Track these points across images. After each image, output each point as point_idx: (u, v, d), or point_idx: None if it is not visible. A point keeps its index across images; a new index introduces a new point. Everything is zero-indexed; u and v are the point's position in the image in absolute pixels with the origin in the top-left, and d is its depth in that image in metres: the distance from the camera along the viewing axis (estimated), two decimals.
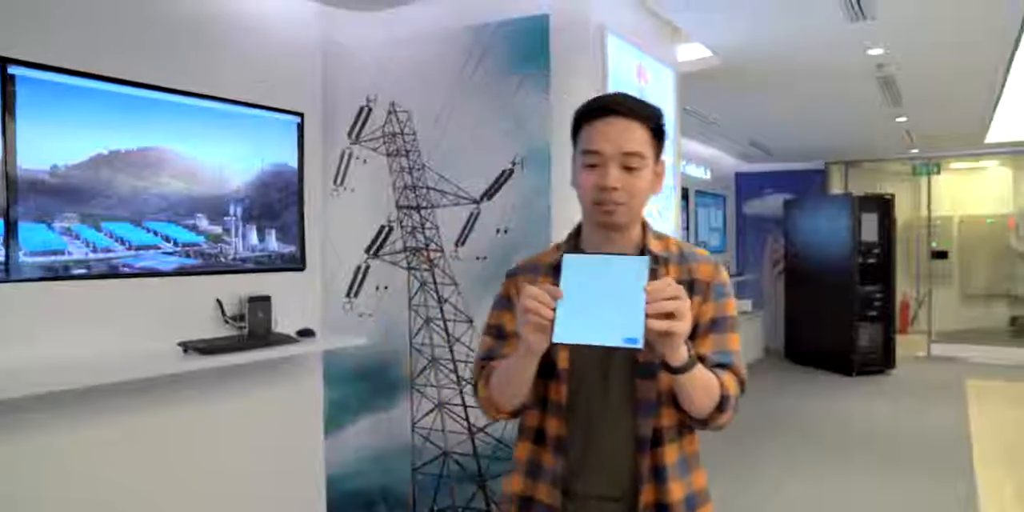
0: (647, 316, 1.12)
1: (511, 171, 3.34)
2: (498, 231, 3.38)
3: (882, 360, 8.44)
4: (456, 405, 3.51)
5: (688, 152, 8.34)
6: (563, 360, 1.36)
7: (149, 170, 2.85)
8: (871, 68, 4.89)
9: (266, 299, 3.18)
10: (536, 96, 3.27)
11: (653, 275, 1.26)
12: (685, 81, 4.43)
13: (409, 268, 3.62)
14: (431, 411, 3.58)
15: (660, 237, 1.46)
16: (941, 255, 10.88)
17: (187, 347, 2.79)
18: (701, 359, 1.30)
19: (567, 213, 3.23)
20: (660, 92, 4.02)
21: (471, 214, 3.44)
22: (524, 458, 1.46)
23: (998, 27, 4.17)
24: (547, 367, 1.35)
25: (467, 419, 3.47)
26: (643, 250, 1.40)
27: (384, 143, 3.67)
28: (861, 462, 4.96)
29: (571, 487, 1.40)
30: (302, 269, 3.50)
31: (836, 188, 10.42)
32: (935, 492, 4.44)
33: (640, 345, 1.12)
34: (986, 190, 11.30)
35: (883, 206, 8.62)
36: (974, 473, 4.79)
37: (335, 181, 3.69)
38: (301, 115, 3.48)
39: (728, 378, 1.33)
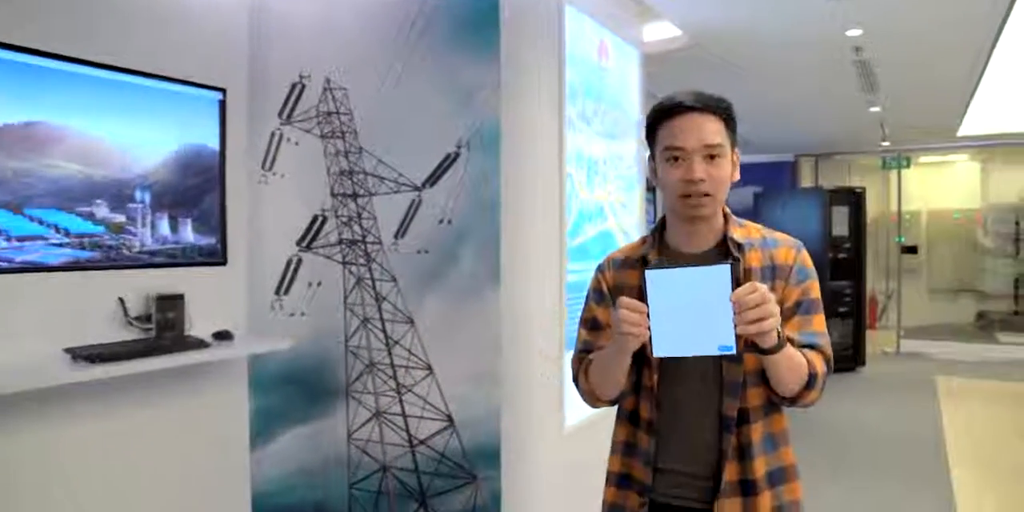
0: (736, 325, 1.24)
1: (456, 154, 3.00)
2: (441, 221, 3.04)
3: (852, 357, 8.26)
4: (395, 414, 3.17)
5: None
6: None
7: (33, 149, 2.46)
8: (848, 50, 4.62)
9: (178, 298, 2.82)
10: (484, 71, 2.93)
11: (735, 269, 1.29)
12: (651, 63, 4.12)
13: (344, 262, 3.26)
14: (368, 421, 3.24)
15: (742, 225, 1.53)
16: (911, 250, 10.75)
17: (75, 354, 2.42)
18: (788, 341, 1.37)
19: (517, 201, 2.91)
20: (623, 73, 3.70)
21: (412, 202, 3.10)
22: (622, 439, 1.59)
23: (980, 13, 3.92)
24: (639, 355, 1.43)
25: (407, 430, 3.14)
26: (725, 238, 1.48)
27: (319, 124, 3.31)
28: (832, 468, 4.72)
29: (661, 465, 1.50)
30: (223, 263, 3.13)
31: (806, 181, 10.23)
32: (910, 500, 4.21)
33: (734, 351, 1.27)
34: (954, 185, 11.22)
35: (854, 200, 8.43)
36: (950, 480, 4.57)
37: (263, 165, 3.33)
38: (223, 91, 3.10)
39: (815, 357, 1.41)
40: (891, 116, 7.12)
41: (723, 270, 1.24)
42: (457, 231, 3.01)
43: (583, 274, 3.23)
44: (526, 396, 2.98)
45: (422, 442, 3.11)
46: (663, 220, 1.57)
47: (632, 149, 3.77)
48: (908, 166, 9.93)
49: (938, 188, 11.24)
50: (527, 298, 2.95)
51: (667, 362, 1.45)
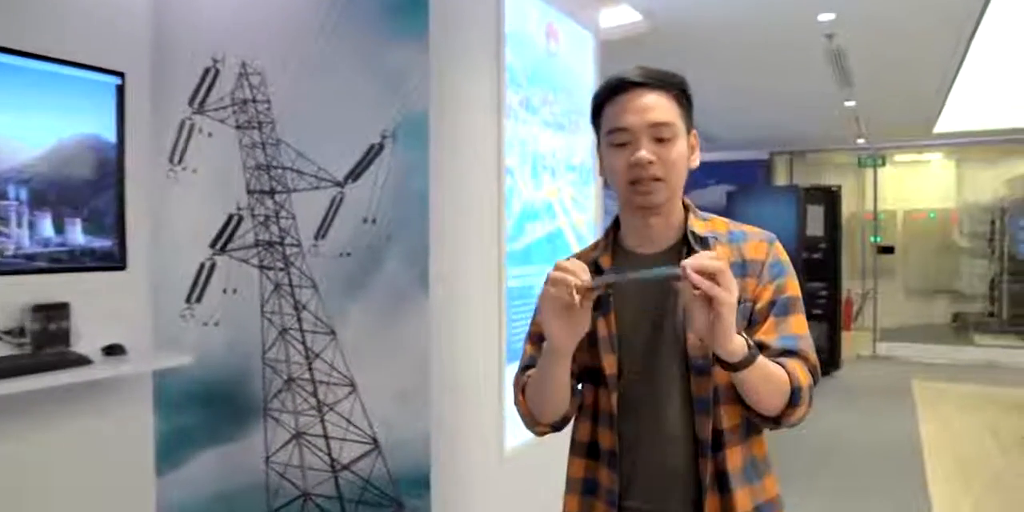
0: (689, 270, 1.07)
1: (380, 146, 2.68)
2: (365, 220, 2.72)
3: (827, 361, 8.01)
4: (316, 436, 2.85)
5: None
6: (609, 365, 1.29)
7: None
8: (821, 38, 4.34)
9: (61, 307, 2.48)
10: (412, 53, 2.62)
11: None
12: (609, 50, 3.82)
13: (261, 267, 2.93)
14: (288, 442, 2.91)
15: (706, 219, 1.36)
16: (887, 250, 10.55)
17: None
18: (763, 347, 1.22)
19: (448, 198, 2.60)
20: (576, 59, 3.40)
21: (333, 200, 2.78)
22: (579, 476, 1.37)
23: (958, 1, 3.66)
24: (594, 374, 1.31)
25: (329, 453, 2.81)
26: (686, 234, 1.31)
27: (234, 113, 2.97)
28: (807, 482, 4.46)
29: (627, 503, 1.30)
30: (121, 268, 2.79)
31: (781, 180, 9.99)
32: None
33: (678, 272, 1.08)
34: (930, 184, 11.06)
35: (829, 198, 8.20)
36: (928, 494, 4.32)
37: (171, 159, 2.99)
38: (121, 75, 2.77)
39: (796, 366, 1.22)
40: (867, 111, 6.88)
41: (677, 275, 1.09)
42: (382, 231, 2.69)
43: (527, 279, 2.93)
44: (460, 416, 2.67)
45: (345, 467, 2.79)
46: (617, 219, 1.39)
47: (587, 141, 3.47)
48: (884, 165, 9.73)
49: (914, 187, 11.07)
50: (460, 307, 2.64)
51: (627, 380, 1.28)
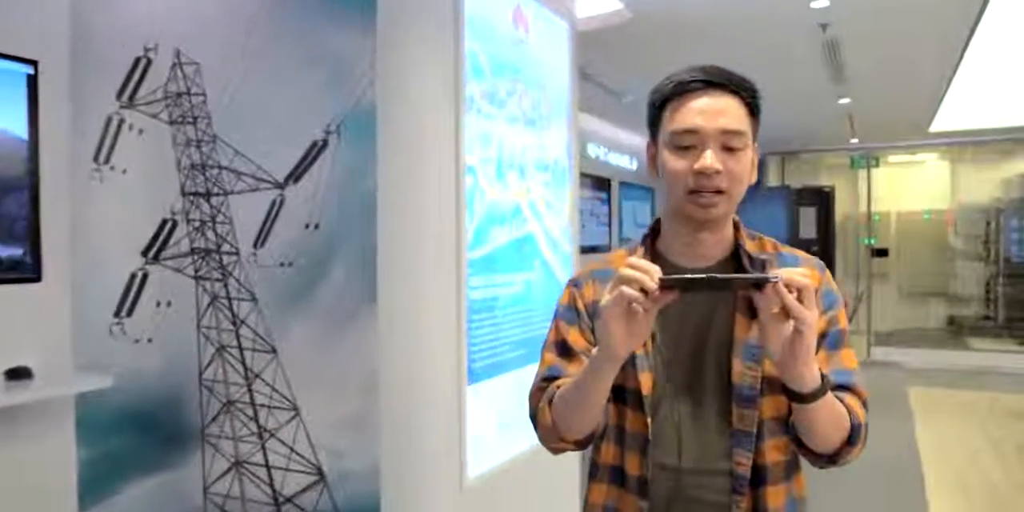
0: (782, 284, 0.97)
1: (323, 142, 2.40)
2: (307, 226, 2.44)
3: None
4: (257, 465, 2.56)
5: (612, 140, 7.50)
6: (646, 384, 1.19)
7: None
8: (814, 28, 4.07)
9: None
10: (358, 40, 2.34)
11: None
12: (587, 41, 3.55)
13: (197, 277, 2.65)
14: (227, 472, 2.62)
15: (754, 236, 1.28)
16: (881, 252, 10.31)
17: None
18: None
19: (399, 200, 2.33)
20: (548, 48, 3.12)
21: (273, 203, 2.50)
22: (601, 503, 1.28)
23: None
24: (620, 392, 1.20)
25: (271, 484, 2.53)
26: (736, 251, 1.24)
27: (167, 107, 2.69)
28: None
29: None
30: (36, 279, 2.50)
31: (773, 181, 9.74)
32: None
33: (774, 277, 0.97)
34: (924, 185, 10.84)
35: (822, 199, 7.97)
36: (928, 506, 4.08)
37: (96, 158, 2.70)
38: (34, 63, 2.48)
39: (854, 402, 1.16)
40: (861, 109, 6.62)
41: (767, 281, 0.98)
42: (326, 238, 2.41)
43: (491, 290, 2.65)
44: (414, 443, 2.38)
45: (288, 500, 2.51)
46: (657, 224, 1.29)
47: (562, 137, 3.20)
48: (877, 165, 9.49)
49: (908, 188, 10.84)
50: (413, 322, 2.36)
51: (662, 404, 1.20)
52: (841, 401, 1.13)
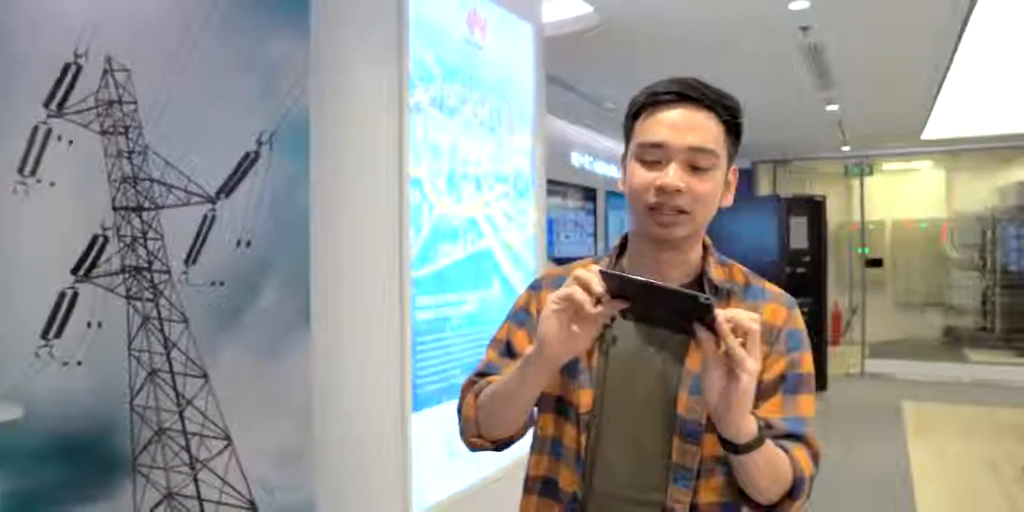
0: (721, 320, 0.92)
1: (255, 154, 2.25)
2: (239, 243, 2.28)
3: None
4: (189, 497, 2.39)
5: (598, 149, 7.35)
6: (584, 402, 1.15)
7: None
8: (795, 32, 3.92)
9: None
10: (291, 42, 2.20)
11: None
12: (555, 47, 3.40)
13: (129, 297, 2.48)
14: (158, 504, 2.45)
15: (724, 263, 1.21)
16: (875, 263, 10.14)
17: None
18: (766, 425, 1.07)
19: (334, 215, 2.17)
20: (511, 54, 2.97)
21: (204, 218, 2.33)
22: None
23: None
24: (563, 405, 1.18)
25: None
26: (701, 277, 1.17)
27: (98, 116, 2.52)
28: None
29: None
30: None
31: (764, 190, 9.60)
32: None
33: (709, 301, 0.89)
34: (919, 193, 10.70)
35: (814, 209, 7.79)
36: None
37: (21, 170, 2.53)
38: None
39: (800, 454, 1.09)
40: (850, 116, 6.47)
41: (704, 307, 0.91)
42: (258, 256, 2.25)
43: (441, 310, 2.49)
44: (354, 476, 2.22)
45: None
46: (624, 241, 1.26)
47: (525, 146, 3.04)
48: (871, 173, 9.35)
49: (902, 197, 10.69)
50: (352, 346, 2.20)
51: (600, 425, 1.16)
52: (787, 451, 1.07)
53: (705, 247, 1.20)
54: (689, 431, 1.11)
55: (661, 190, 1.08)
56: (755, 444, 1.00)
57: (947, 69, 4.90)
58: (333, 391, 2.17)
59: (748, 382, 0.94)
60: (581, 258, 1.33)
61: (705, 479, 1.12)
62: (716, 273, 1.17)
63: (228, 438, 2.31)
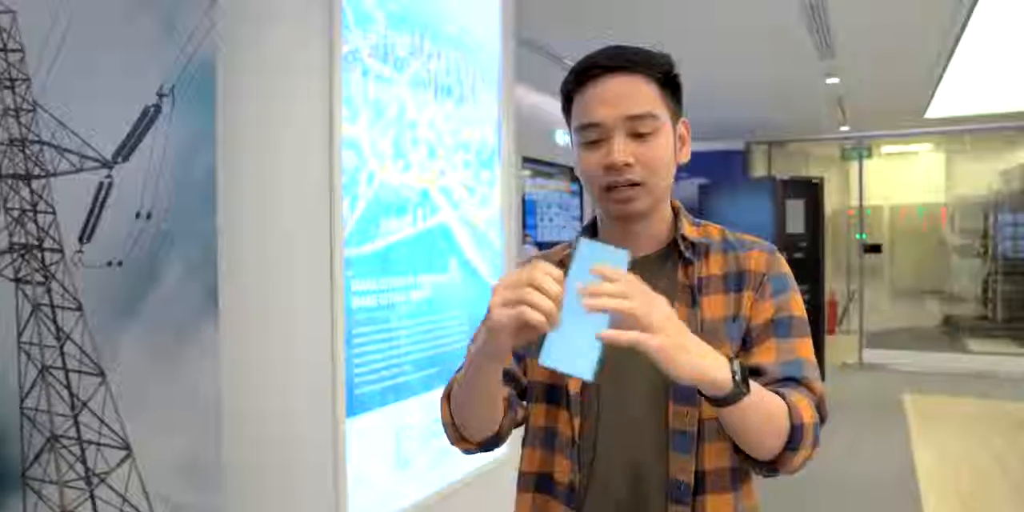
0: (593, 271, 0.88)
1: (156, 109, 1.88)
2: (139, 215, 1.92)
3: None
4: None
5: None
6: (574, 382, 1.11)
7: None
8: None
9: None
10: None
11: (685, 269, 1.12)
12: (547, 18, 3.02)
13: (17, 280, 2.11)
14: None
15: (699, 224, 1.20)
16: (874, 248, 9.81)
17: None
18: (760, 372, 1.06)
19: (246, 181, 1.81)
20: (475, 4, 2.60)
21: (100, 186, 1.97)
22: None
23: None
24: (552, 392, 1.15)
25: None
26: (675, 237, 1.15)
27: None
28: None
29: None
30: None
31: (759, 172, 9.25)
32: None
33: (590, 377, 0.87)
34: (919, 177, 10.38)
35: (811, 192, 7.43)
36: None
37: None
38: None
39: (799, 399, 1.03)
40: (851, 91, 6.10)
41: (619, 255, 0.89)
42: (160, 230, 1.89)
43: (385, 296, 2.13)
44: (274, 493, 1.87)
45: None
46: (593, 222, 1.23)
47: (491, 113, 2.68)
48: (870, 156, 8.99)
49: (902, 181, 10.38)
50: (266, 337, 1.84)
51: (592, 404, 1.11)
52: (784, 398, 1.01)
53: (675, 209, 1.18)
54: (682, 393, 1.07)
55: (610, 168, 1.07)
56: (734, 396, 0.92)
57: (957, 39, 4.55)
58: (247, 392, 1.82)
59: (668, 358, 0.88)
60: (560, 243, 1.31)
61: (708, 443, 1.07)
62: (689, 231, 1.16)
63: (128, 447, 1.95)
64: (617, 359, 0.99)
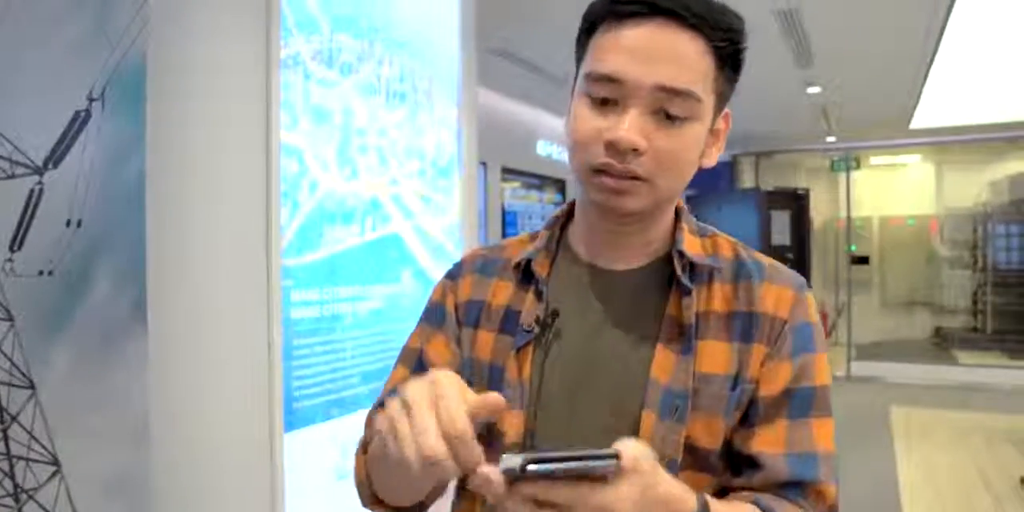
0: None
1: (87, 114, 1.83)
2: (69, 223, 1.86)
3: None
4: None
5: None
6: (514, 427, 0.83)
7: None
8: None
9: None
10: None
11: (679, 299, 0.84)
12: (522, 24, 2.98)
13: None
14: None
15: (704, 233, 0.90)
16: (862, 260, 9.75)
17: None
18: (756, 465, 0.79)
19: (177, 188, 1.75)
20: (429, 5, 2.56)
21: (31, 193, 1.91)
22: None
23: None
24: (490, 434, 0.83)
25: None
26: (671, 254, 0.85)
27: None
28: None
29: None
30: None
31: (747, 184, 9.21)
32: None
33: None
34: (908, 189, 10.33)
35: (797, 203, 7.43)
36: None
37: None
38: None
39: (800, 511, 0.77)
40: (834, 100, 6.07)
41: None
42: (90, 238, 1.83)
43: (329, 307, 2.07)
44: (208, 510, 1.80)
45: None
46: (571, 208, 0.94)
47: (449, 119, 2.63)
48: (858, 167, 8.95)
49: (891, 192, 10.32)
50: (198, 349, 1.77)
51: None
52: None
53: (678, 213, 0.89)
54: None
55: (611, 146, 0.77)
56: None
57: (936, 45, 4.51)
58: (177, 407, 1.75)
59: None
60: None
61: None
62: (691, 247, 0.86)
63: (56, 463, 1.88)
64: (571, 397, 0.83)
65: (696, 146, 0.81)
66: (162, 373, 1.74)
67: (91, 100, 1.81)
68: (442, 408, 0.59)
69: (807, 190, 7.56)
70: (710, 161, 0.85)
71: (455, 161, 2.66)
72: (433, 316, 0.96)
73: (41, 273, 1.89)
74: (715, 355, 0.82)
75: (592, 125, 0.78)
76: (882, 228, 10.31)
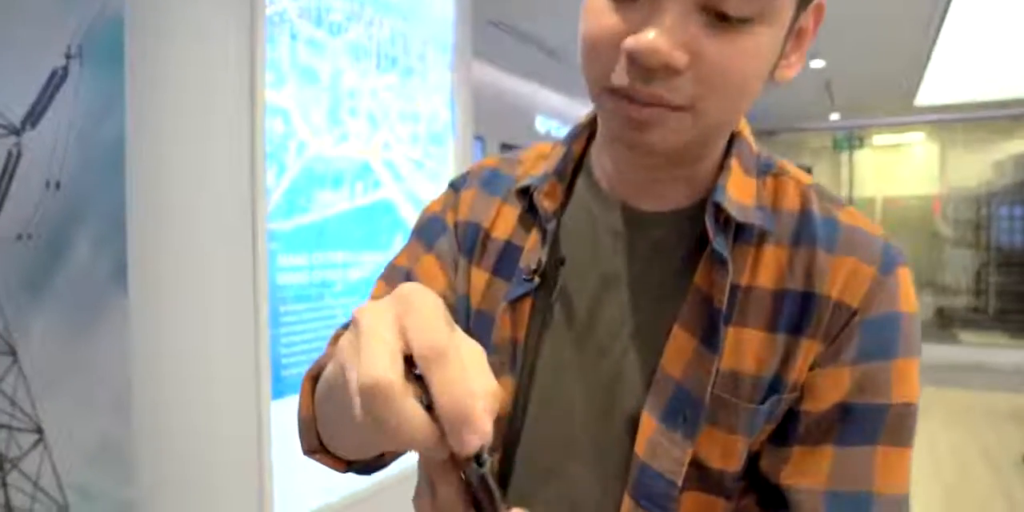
0: None
1: (63, 71, 1.77)
2: (48, 185, 1.81)
3: None
4: None
5: (568, 114, 6.87)
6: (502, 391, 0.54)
7: None
8: None
9: None
10: None
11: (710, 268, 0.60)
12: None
13: None
14: None
15: (768, 167, 0.65)
16: None
17: None
18: (782, 500, 0.59)
19: (158, 149, 1.69)
20: None
21: (10, 154, 1.86)
22: None
23: None
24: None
25: None
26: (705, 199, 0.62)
27: None
28: None
29: None
30: None
31: None
32: None
33: None
34: (912, 169, 10.23)
35: None
36: None
37: None
38: None
39: None
40: (838, 75, 5.98)
41: None
42: (69, 201, 1.78)
43: (319, 273, 2.02)
44: (192, 480, 1.76)
45: None
46: (593, 122, 0.70)
47: (443, 87, 2.56)
48: (861, 146, 8.88)
49: (894, 173, 10.23)
50: (181, 315, 1.73)
51: (522, 432, 0.66)
52: None
53: (732, 140, 0.65)
54: (649, 491, 0.60)
55: (635, 58, 0.51)
56: None
57: (944, 13, 4.42)
58: (161, 373, 1.70)
59: None
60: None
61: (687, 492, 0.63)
62: (740, 192, 0.61)
63: (40, 430, 1.84)
64: (556, 381, 0.67)
65: (765, 56, 0.54)
66: (144, 339, 1.70)
67: (68, 57, 1.75)
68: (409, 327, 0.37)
69: (809, 168, 7.48)
70: (789, 73, 0.59)
71: (450, 128, 2.60)
72: (429, 231, 0.75)
73: (20, 237, 1.84)
74: (750, 348, 0.60)
75: (608, 23, 0.53)
76: (886, 208, 10.25)
